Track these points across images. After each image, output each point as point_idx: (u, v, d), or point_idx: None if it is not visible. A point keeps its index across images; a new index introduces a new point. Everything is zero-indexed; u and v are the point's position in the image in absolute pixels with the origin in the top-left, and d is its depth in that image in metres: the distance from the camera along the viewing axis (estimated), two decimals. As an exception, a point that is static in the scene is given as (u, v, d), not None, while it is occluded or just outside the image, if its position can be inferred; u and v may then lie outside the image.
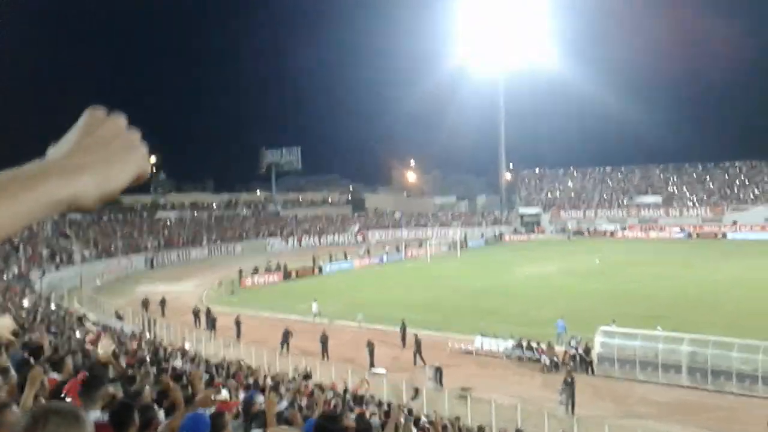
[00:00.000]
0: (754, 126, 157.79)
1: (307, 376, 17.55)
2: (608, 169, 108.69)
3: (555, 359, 23.89)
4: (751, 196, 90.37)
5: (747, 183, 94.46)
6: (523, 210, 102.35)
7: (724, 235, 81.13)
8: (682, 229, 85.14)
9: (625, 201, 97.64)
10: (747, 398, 19.85)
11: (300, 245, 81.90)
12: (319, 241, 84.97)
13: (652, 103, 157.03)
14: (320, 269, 56.70)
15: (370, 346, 25.03)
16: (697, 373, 21.32)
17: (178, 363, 19.17)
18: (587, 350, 23.64)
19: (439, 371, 22.05)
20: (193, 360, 20.74)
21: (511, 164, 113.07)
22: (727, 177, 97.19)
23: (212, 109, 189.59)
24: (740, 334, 23.07)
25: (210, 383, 15.51)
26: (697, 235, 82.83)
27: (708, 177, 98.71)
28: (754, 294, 38.92)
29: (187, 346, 23.94)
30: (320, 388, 15.86)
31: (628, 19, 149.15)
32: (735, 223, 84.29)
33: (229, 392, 15.12)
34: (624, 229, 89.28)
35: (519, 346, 25.61)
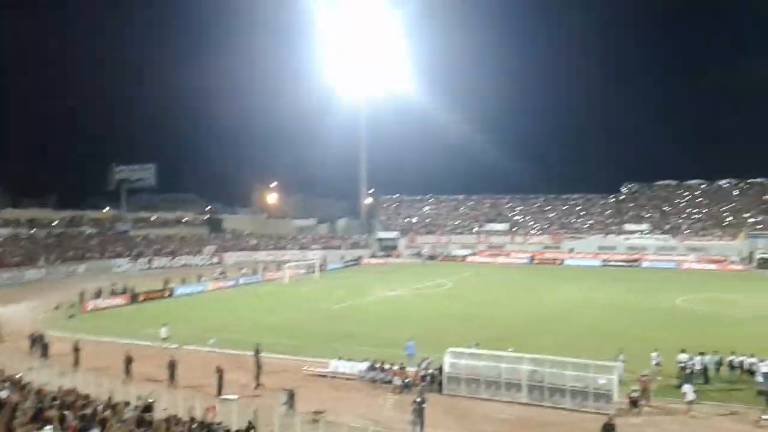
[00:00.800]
0: (591, 162, 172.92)
1: (147, 408, 16.55)
2: (461, 197, 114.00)
3: (407, 380, 24.42)
4: (586, 226, 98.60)
5: (582, 214, 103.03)
6: (381, 234, 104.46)
7: (562, 262, 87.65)
8: (525, 255, 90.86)
9: (475, 228, 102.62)
10: (580, 413, 21.39)
11: (150, 266, 77.91)
12: (172, 262, 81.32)
13: (503, 137, 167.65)
14: (171, 292, 54.15)
15: (220, 372, 24.24)
16: (535, 390, 22.70)
17: (3, 393, 17.41)
18: (440, 370, 24.39)
19: (292, 395, 21.74)
20: (22, 389, 18.95)
21: (371, 189, 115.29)
22: (565, 208, 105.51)
23: (62, 121, 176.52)
24: (575, 353, 25.00)
25: (37, 415, 14.26)
26: (539, 260, 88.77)
27: (549, 207, 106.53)
28: (587, 316, 42.36)
29: (19, 375, 21.82)
30: (167, 420, 15.06)
31: (485, 53, 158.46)
32: (572, 250, 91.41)
33: (62, 424, 13.97)
34: (474, 254, 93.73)
35: (372, 368, 25.93)
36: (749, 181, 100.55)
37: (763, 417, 20.69)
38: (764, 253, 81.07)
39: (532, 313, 43.72)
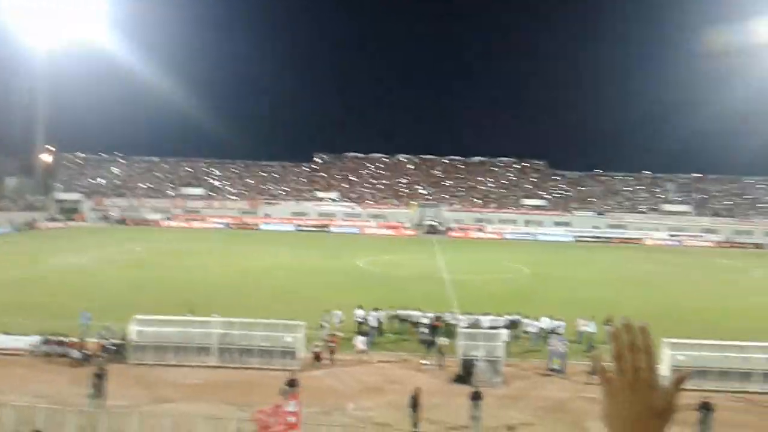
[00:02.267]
0: (287, 131, 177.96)
1: None
2: (156, 159, 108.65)
3: (86, 352, 22.77)
4: (282, 193, 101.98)
5: (278, 181, 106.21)
6: (61, 195, 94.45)
7: (258, 227, 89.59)
8: (222, 220, 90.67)
9: (171, 192, 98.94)
10: (267, 371, 22.32)
11: None
12: None
13: (203, 99, 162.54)
14: None
15: None
16: (225, 353, 23.04)
17: None
18: (122, 339, 23.21)
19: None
20: None
21: (51, 145, 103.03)
22: (262, 174, 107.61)
23: None
24: (269, 315, 25.93)
25: None
26: (236, 225, 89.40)
27: (247, 173, 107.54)
28: (280, 278, 44.08)
29: None
30: None
31: (182, 7, 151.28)
32: (268, 215, 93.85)
33: None
34: (169, 218, 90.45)
35: (47, 341, 23.58)
36: (422, 156, 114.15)
37: (423, 362, 24.01)
38: (432, 221, 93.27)
39: (229, 277, 43.96)
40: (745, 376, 22.29)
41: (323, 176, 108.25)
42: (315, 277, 45.68)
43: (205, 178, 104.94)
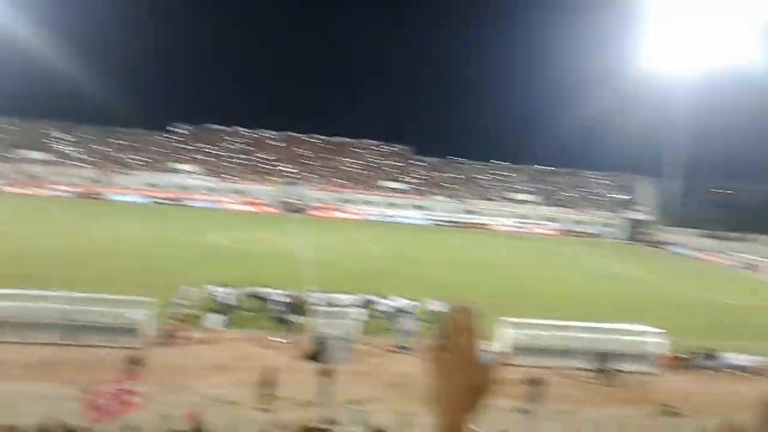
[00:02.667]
0: (143, 98, 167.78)
1: None
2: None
3: None
4: (136, 163, 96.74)
5: (133, 150, 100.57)
6: None
7: (109, 197, 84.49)
8: (70, 189, 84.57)
9: (8, 155, 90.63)
10: (109, 349, 21.26)
11: None
12: None
13: (52, 54, 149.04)
14: None
15: None
16: (65, 329, 21.66)
17: None
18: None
19: None
20: None
21: None
22: (115, 142, 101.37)
23: None
24: (115, 290, 24.56)
25: None
26: (85, 194, 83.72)
27: (98, 139, 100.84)
28: (129, 253, 41.91)
29: None
30: None
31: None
32: (119, 185, 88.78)
33: None
34: (9, 184, 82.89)
35: None
36: (286, 134, 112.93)
37: (275, 339, 24.02)
38: (294, 199, 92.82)
39: (71, 249, 41.13)
40: (573, 353, 24.44)
41: (182, 147, 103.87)
42: (169, 251, 43.99)
43: (50, 141, 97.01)
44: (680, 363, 25.34)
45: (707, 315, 37.35)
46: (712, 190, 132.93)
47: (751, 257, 66.31)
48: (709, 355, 25.69)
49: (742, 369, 25.28)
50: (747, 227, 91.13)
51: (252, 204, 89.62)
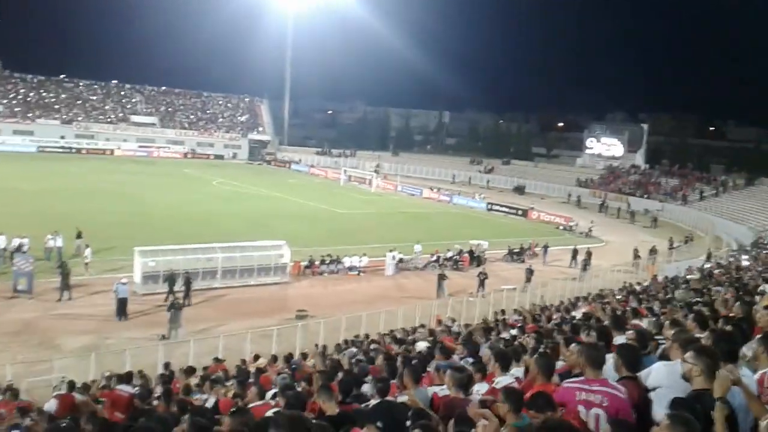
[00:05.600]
0: None
1: None
2: None
3: None
4: None
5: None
6: None
7: None
8: None
9: None
10: None
11: None
12: None
13: None
14: None
15: None
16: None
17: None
18: None
19: None
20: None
21: None
22: None
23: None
24: None
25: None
26: None
27: None
28: None
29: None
30: None
31: None
32: None
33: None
34: None
35: None
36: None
37: None
38: None
39: None
40: (210, 274, 24.76)
41: None
42: None
43: None
44: (306, 270, 27.82)
45: (327, 224, 41.43)
46: (321, 111, 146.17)
47: (359, 171, 75.18)
48: (330, 261, 28.72)
49: (358, 270, 28.98)
50: (351, 144, 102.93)
51: None
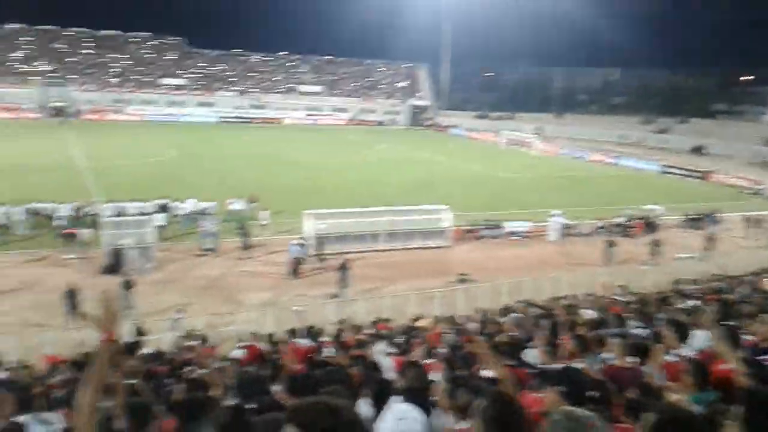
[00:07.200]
0: None
1: None
2: None
3: None
4: None
5: None
6: None
7: None
8: None
9: None
10: None
11: None
12: None
13: None
14: None
15: None
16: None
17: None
18: None
19: None
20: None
21: None
22: None
23: None
24: None
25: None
26: None
27: None
28: None
29: None
30: None
31: None
32: None
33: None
34: None
35: None
36: (40, 27, 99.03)
37: (65, 257, 21.98)
38: (58, 102, 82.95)
39: None
40: (373, 237, 25.62)
41: None
42: None
43: None
44: (468, 235, 27.83)
45: (488, 188, 41.08)
46: (480, 74, 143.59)
47: (519, 134, 73.40)
48: (492, 226, 28.50)
49: (520, 234, 28.50)
50: (511, 107, 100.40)
51: (8, 110, 78.46)
